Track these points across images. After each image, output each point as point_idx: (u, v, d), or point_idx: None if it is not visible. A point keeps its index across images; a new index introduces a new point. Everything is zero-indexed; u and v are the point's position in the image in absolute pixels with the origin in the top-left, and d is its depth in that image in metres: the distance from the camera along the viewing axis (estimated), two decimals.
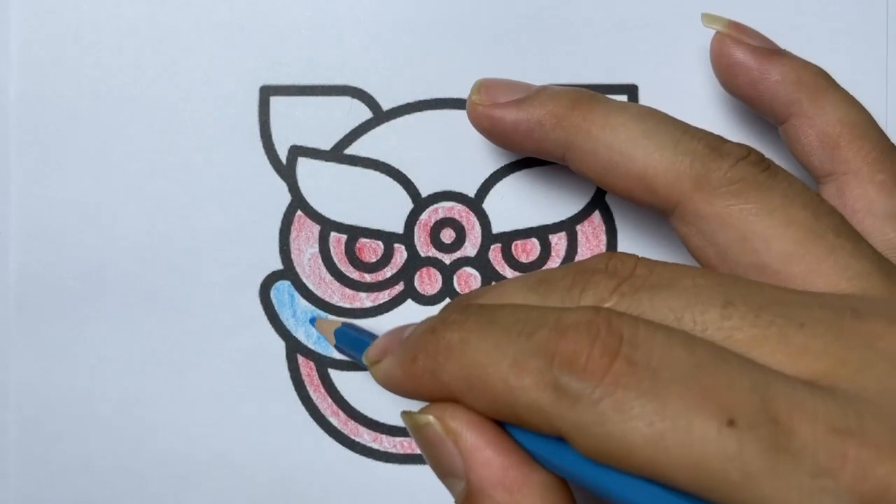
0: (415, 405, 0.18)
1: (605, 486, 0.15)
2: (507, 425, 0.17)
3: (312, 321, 0.25)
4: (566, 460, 0.15)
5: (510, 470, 0.16)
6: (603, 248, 0.25)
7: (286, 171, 0.25)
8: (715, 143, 0.20)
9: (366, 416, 0.25)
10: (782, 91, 0.22)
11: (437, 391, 0.17)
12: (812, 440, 0.13)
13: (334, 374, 0.25)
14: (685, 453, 0.14)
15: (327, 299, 0.25)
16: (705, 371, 0.14)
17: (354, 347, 0.23)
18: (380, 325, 0.25)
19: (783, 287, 0.17)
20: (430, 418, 0.17)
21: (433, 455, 0.17)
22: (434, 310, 0.25)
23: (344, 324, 0.24)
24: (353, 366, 0.25)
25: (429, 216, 0.25)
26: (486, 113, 0.22)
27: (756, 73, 0.22)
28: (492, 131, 0.23)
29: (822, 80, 0.22)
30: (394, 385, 0.18)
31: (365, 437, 0.25)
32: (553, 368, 0.15)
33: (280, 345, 0.25)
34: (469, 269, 0.25)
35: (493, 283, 0.25)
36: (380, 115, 0.25)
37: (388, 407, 0.25)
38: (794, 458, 0.13)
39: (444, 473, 0.17)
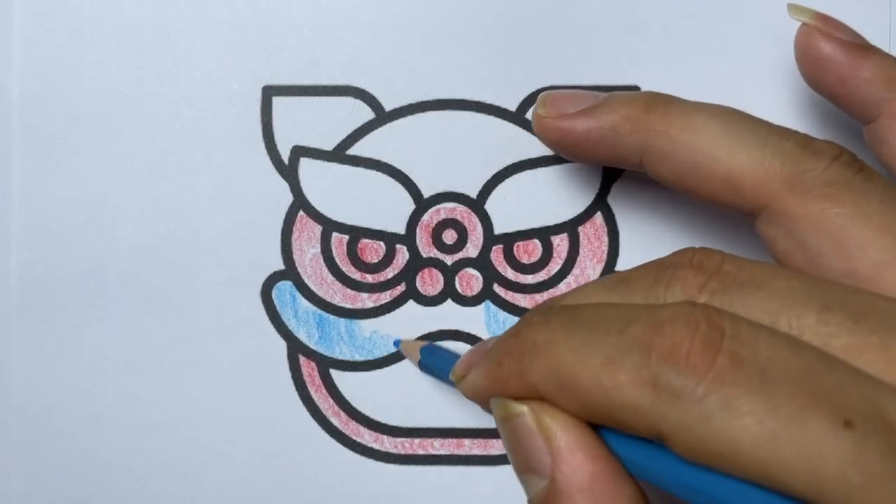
0: (485, 421, 0.17)
1: (705, 491, 0.14)
2: (599, 429, 0.16)
3: (397, 343, 0.25)
4: (662, 464, 0.15)
5: (600, 479, 0.16)
6: (605, 249, 0.25)
7: (288, 172, 0.25)
8: (806, 142, 0.19)
9: (367, 417, 0.25)
10: (873, 89, 0.21)
11: (525, 393, 0.16)
12: None
13: (336, 375, 0.25)
14: (799, 454, 0.13)
15: (329, 300, 0.25)
16: (815, 374, 0.14)
17: (440, 367, 0.22)
18: (380, 326, 0.25)
19: (880, 294, 0.16)
20: (525, 409, 0.16)
21: (519, 448, 0.16)
22: (435, 311, 0.25)
23: (429, 344, 0.24)
24: (355, 366, 0.25)
25: (430, 217, 0.25)
26: (555, 125, 0.22)
27: (846, 70, 0.21)
28: (562, 143, 0.22)
29: None
30: (481, 394, 0.18)
31: (366, 437, 0.25)
32: (651, 364, 0.14)
33: (281, 345, 0.25)
34: (471, 270, 0.25)
35: (496, 284, 0.25)
36: (382, 116, 0.25)
37: (389, 407, 0.25)
38: None
39: (525, 468, 0.17)
